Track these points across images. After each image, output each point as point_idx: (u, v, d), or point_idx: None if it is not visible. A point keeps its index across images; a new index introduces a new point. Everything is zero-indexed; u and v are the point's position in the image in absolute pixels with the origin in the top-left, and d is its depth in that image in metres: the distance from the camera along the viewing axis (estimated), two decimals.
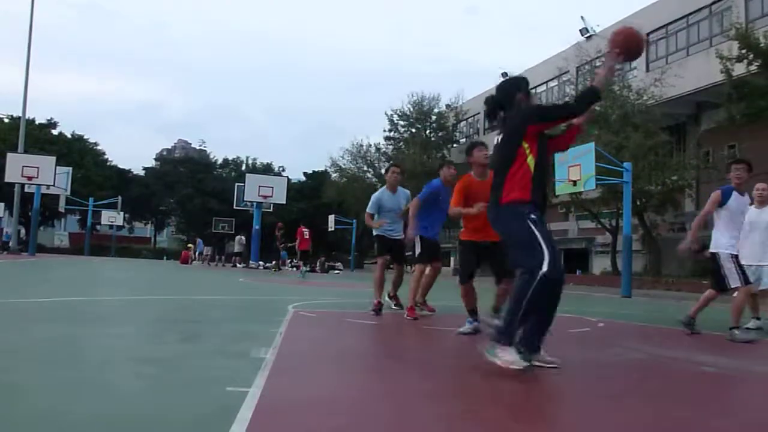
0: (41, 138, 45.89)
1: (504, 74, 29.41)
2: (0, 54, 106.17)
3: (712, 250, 5.75)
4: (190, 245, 37.34)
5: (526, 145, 3.40)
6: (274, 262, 27.71)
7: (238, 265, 29.78)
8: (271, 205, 31.35)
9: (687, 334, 5.78)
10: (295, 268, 21.45)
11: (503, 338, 3.23)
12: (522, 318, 3.23)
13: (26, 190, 29.22)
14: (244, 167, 55.11)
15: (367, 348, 4.71)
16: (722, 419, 2.70)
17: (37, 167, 26.11)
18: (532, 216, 3.34)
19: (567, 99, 3.81)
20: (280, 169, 56.55)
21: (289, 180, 39.45)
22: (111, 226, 45.87)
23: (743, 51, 20.23)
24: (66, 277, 12.53)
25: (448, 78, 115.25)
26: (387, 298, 7.09)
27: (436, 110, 44.24)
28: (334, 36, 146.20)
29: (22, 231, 39.67)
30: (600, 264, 32.48)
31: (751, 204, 6.17)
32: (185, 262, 32.76)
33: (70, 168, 33.50)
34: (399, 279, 7.21)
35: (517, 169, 3.40)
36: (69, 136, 51.68)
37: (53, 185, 27.61)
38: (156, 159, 62.08)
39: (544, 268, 3.18)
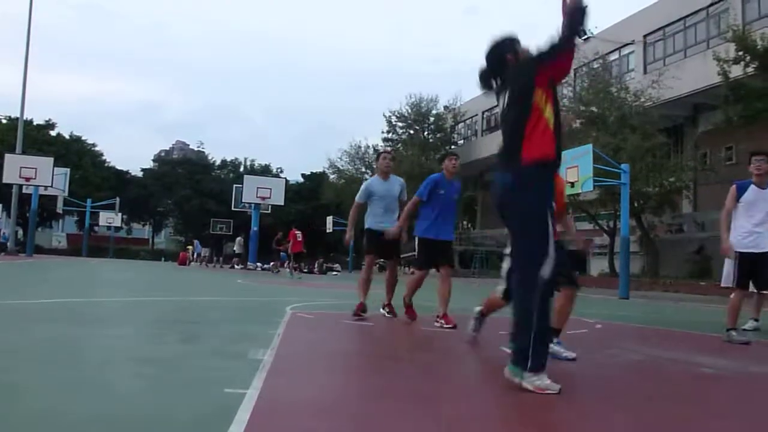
0: (39, 139, 45.82)
1: None
2: None
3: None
4: (189, 246, 37.33)
5: (540, 96, 3.04)
6: (272, 264, 27.72)
7: (236, 266, 29.78)
8: (269, 206, 31.36)
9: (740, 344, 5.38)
10: (295, 270, 21.66)
11: (533, 363, 2.81)
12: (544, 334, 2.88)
13: (24, 191, 29.20)
14: (242, 168, 55.13)
15: (364, 349, 4.71)
16: (720, 420, 2.71)
17: (35, 168, 26.10)
18: (552, 202, 3.06)
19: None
20: (278, 170, 56.58)
21: (287, 181, 39.43)
22: (109, 227, 45.84)
23: (740, 53, 20.28)
24: (64, 278, 12.52)
25: (447, 78, 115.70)
26: (381, 309, 6.40)
27: (434, 112, 44.25)
28: (333, 36, 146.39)
29: (20, 232, 39.62)
30: (598, 266, 32.49)
31: None
32: (183, 263, 32.75)
33: (68, 169, 33.53)
34: (393, 279, 6.43)
35: (536, 123, 3.03)
36: (67, 137, 51.58)
37: (51, 186, 27.60)
38: (154, 160, 62.11)
39: (546, 272, 2.88)
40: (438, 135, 44.47)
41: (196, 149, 65.54)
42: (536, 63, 3.07)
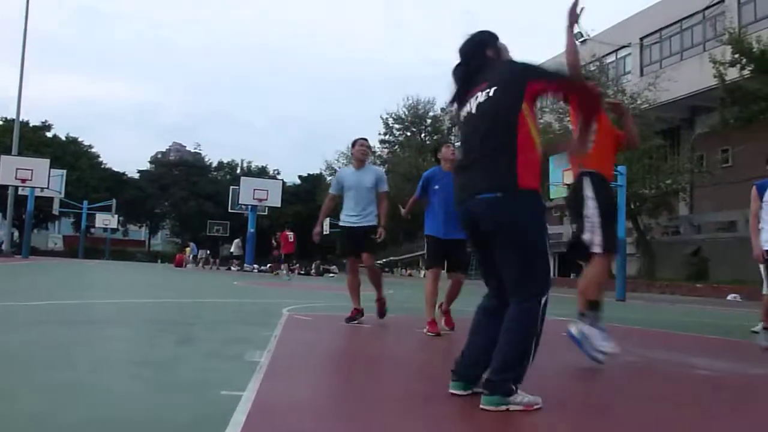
0: (35, 140, 45.70)
1: None
2: None
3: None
4: (187, 248, 37.30)
5: (526, 109, 2.64)
6: (269, 266, 27.70)
7: (232, 268, 29.75)
8: (266, 208, 31.31)
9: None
10: (292, 272, 21.76)
11: (517, 382, 2.56)
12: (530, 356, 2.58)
13: (20, 192, 29.14)
14: (239, 170, 55.11)
15: (362, 351, 4.70)
16: (718, 421, 2.71)
17: (31, 170, 26.03)
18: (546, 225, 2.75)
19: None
20: (275, 172, 56.60)
21: (284, 183, 39.40)
22: (105, 229, 45.74)
23: (736, 56, 20.39)
24: (60, 280, 12.47)
25: (444, 80, 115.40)
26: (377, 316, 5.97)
27: (431, 114, 44.34)
28: (332, 38, 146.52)
29: (16, 234, 39.51)
30: None
31: None
32: (179, 265, 32.68)
33: (65, 170, 33.45)
34: (373, 276, 5.86)
35: (524, 141, 2.63)
36: (63, 138, 51.53)
37: (47, 188, 27.51)
38: (150, 162, 61.95)
39: (546, 295, 2.63)
40: (435, 137, 44.58)
41: (192, 151, 65.46)
42: (533, 71, 2.73)
